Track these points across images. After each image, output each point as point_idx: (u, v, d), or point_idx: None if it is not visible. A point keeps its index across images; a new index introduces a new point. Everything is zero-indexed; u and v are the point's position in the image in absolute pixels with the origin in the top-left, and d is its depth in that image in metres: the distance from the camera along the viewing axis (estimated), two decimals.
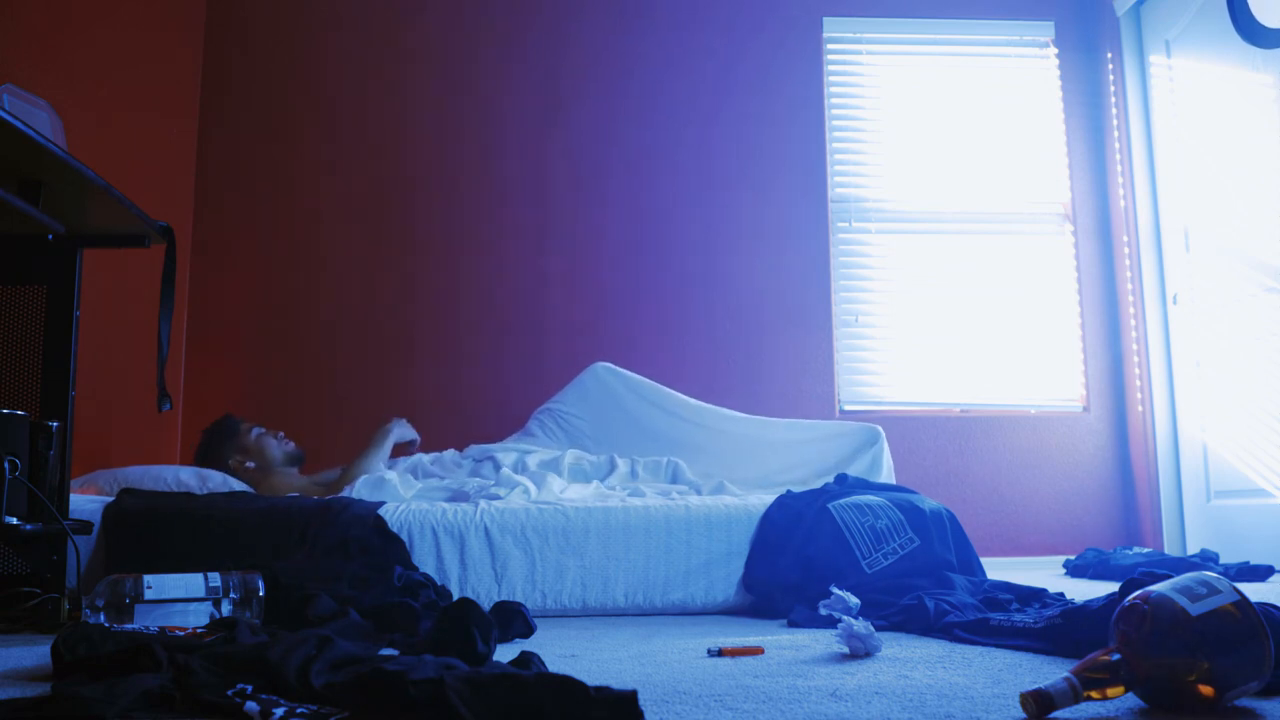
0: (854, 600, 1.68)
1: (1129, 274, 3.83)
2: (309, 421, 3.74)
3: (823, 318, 3.85)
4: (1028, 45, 4.13)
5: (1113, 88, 3.95)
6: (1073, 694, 1.01)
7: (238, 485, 2.67)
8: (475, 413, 3.72)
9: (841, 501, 2.28)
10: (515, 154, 3.92)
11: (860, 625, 1.50)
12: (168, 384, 2.19)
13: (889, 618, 1.85)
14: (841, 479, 2.50)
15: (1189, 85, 3.60)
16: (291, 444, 3.03)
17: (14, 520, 1.70)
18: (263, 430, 2.99)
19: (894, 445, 3.80)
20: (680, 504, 2.35)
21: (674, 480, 2.80)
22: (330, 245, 3.85)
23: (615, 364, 3.45)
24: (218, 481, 2.65)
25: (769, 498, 2.40)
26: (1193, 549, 3.47)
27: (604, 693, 0.96)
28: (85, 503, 2.22)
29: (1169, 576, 1.16)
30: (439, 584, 2.04)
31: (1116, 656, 1.03)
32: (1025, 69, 4.12)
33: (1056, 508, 3.79)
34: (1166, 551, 3.50)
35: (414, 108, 3.94)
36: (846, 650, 1.50)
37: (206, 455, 2.93)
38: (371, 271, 3.84)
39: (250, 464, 2.90)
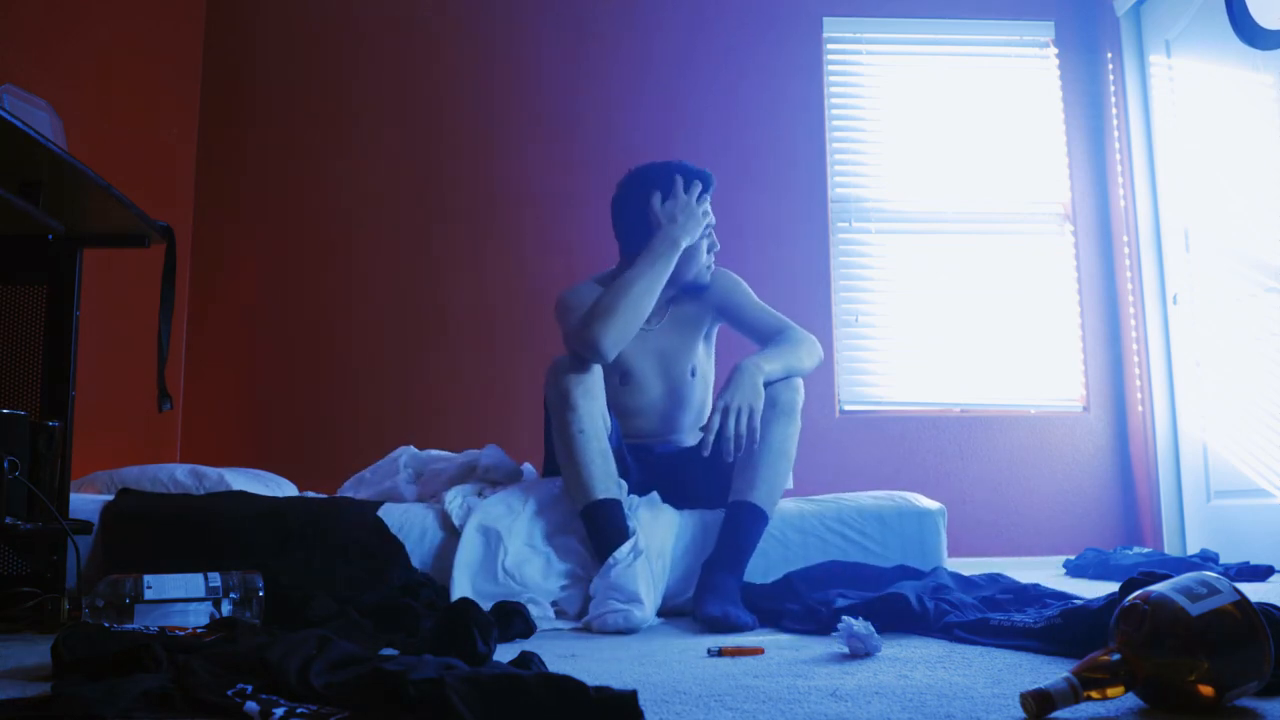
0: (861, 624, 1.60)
1: (1129, 274, 3.83)
2: (311, 422, 3.74)
3: (823, 318, 3.85)
4: (1028, 45, 4.13)
5: (1113, 88, 3.94)
6: (1073, 694, 1.01)
7: (236, 484, 2.66)
8: (486, 413, 3.72)
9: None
10: (518, 154, 3.92)
11: (860, 625, 1.50)
12: (168, 384, 2.18)
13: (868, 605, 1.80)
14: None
15: (1189, 85, 3.60)
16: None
17: (14, 520, 1.70)
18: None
19: (894, 445, 3.81)
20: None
21: None
22: (332, 244, 3.85)
23: None
24: (214, 480, 2.65)
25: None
26: (1193, 549, 3.47)
27: (604, 693, 0.96)
28: (85, 502, 2.22)
29: (1169, 576, 1.16)
30: (439, 584, 2.04)
31: (1116, 656, 1.03)
32: (1025, 69, 4.12)
33: (1056, 508, 3.79)
34: (1166, 551, 3.50)
35: (418, 105, 3.94)
36: (846, 650, 1.50)
37: (642, 180, 2.48)
38: (374, 270, 3.84)
39: (661, 219, 2.43)
